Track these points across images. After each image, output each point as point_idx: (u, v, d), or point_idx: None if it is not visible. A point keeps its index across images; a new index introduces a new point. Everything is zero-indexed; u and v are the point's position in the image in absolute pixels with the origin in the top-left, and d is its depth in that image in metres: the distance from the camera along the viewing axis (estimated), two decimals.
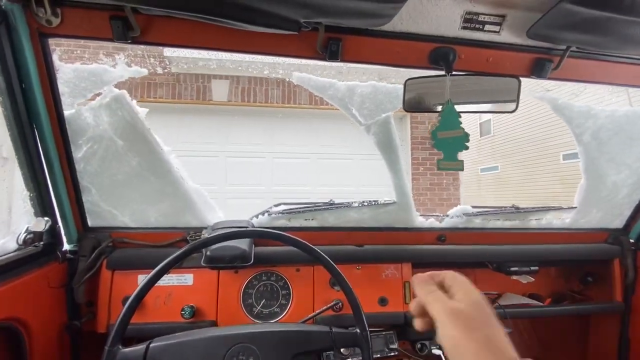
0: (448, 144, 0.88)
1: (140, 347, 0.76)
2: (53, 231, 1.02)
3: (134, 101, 1.03)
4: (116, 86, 1.02)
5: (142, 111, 1.04)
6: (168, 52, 4.60)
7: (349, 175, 5.32)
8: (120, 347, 0.75)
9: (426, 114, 5.50)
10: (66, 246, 1.10)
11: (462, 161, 0.88)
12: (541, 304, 1.44)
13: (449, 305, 0.42)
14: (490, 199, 11.73)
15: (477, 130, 12.22)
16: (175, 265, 0.84)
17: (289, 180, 5.16)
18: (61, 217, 1.06)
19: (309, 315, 1.08)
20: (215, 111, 5.06)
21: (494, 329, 0.40)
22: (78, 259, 1.08)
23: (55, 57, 0.89)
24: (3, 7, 0.79)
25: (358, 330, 0.83)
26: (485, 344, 0.37)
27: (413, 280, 0.48)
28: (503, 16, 0.89)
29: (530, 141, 10.24)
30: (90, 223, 1.13)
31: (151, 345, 0.77)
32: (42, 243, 0.99)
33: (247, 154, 5.12)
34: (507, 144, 11.35)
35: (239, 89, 5.07)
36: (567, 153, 8.93)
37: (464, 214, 1.37)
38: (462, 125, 0.88)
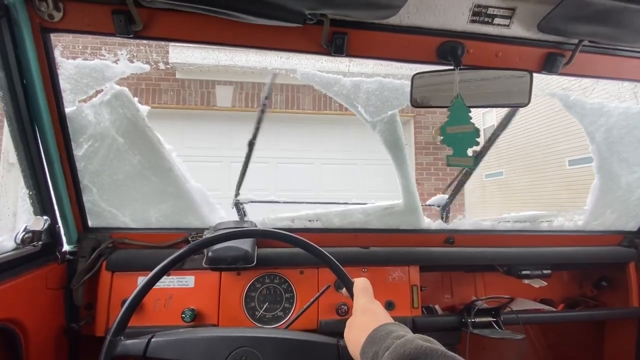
0: (458, 140, 0.86)
1: (142, 340, 0.75)
2: (52, 231, 1.00)
3: (136, 98, 1.02)
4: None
5: (143, 109, 1.03)
6: (173, 58, 4.64)
7: (353, 181, 5.29)
8: (122, 338, 0.74)
9: (430, 119, 5.49)
10: (66, 247, 1.08)
11: (472, 157, 0.85)
12: (554, 309, 1.39)
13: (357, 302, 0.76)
14: (496, 205, 11.59)
15: (482, 137, 12.11)
16: (178, 264, 0.82)
17: (293, 186, 5.14)
18: (61, 217, 1.04)
19: (302, 309, 1.02)
20: (220, 116, 5.08)
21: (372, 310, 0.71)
22: (77, 260, 1.06)
23: (56, 53, 0.88)
24: (4, 1, 0.77)
25: None
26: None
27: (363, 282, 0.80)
28: (513, 9, 0.86)
29: (535, 147, 10.14)
30: (90, 223, 1.11)
31: (152, 339, 0.75)
32: (40, 243, 0.96)
33: (250, 158, 5.11)
34: (511, 150, 11.25)
35: (242, 94, 5.09)
36: (573, 159, 8.83)
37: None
38: (472, 121, 0.85)
